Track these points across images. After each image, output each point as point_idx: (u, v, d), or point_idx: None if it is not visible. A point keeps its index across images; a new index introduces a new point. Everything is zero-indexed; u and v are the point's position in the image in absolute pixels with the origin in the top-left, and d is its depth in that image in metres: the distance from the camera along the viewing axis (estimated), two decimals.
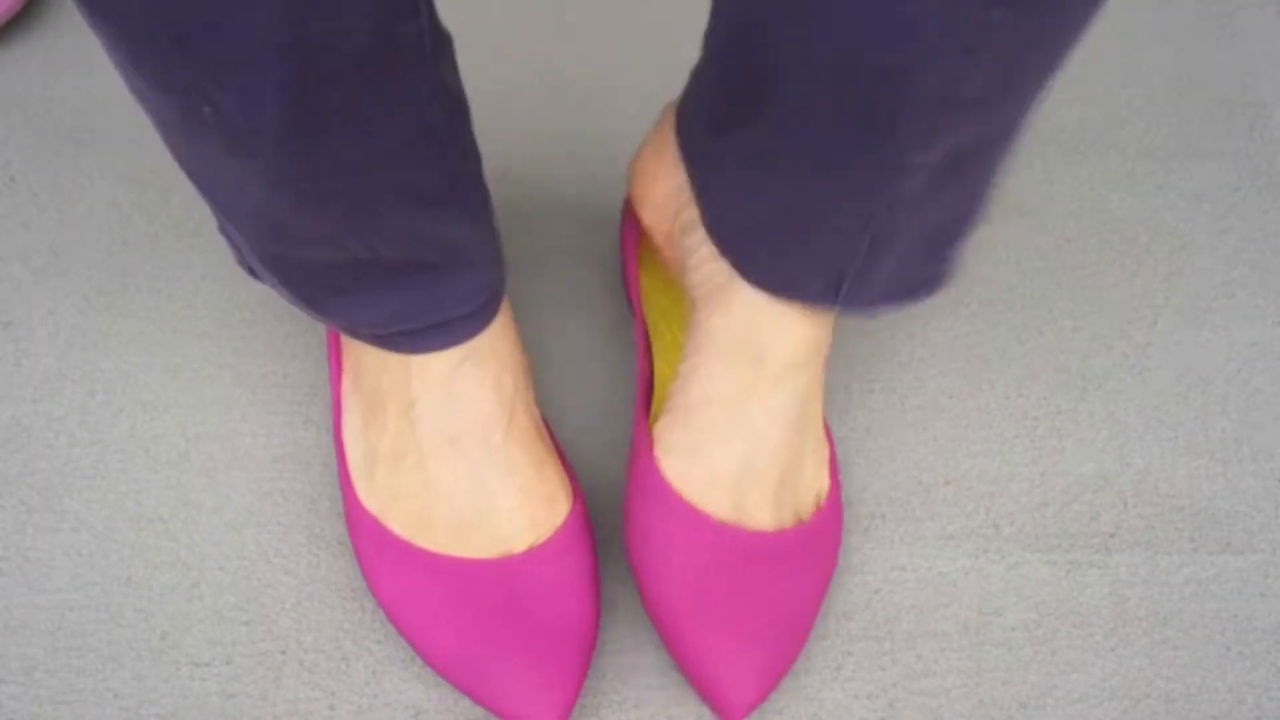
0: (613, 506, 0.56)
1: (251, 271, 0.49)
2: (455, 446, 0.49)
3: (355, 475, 0.52)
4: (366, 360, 0.51)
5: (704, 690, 0.49)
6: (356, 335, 0.49)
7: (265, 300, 0.63)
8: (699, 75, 0.47)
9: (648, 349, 0.56)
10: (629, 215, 0.58)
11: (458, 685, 0.49)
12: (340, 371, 0.55)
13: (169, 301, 0.63)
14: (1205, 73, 0.72)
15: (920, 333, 0.62)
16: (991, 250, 0.65)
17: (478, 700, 0.49)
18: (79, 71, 0.72)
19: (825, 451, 0.53)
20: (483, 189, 0.47)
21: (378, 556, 0.51)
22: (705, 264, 0.49)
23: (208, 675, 0.52)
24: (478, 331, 0.49)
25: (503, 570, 0.49)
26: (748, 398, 0.49)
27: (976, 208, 0.44)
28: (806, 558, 0.50)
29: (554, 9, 0.75)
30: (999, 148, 0.41)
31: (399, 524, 0.50)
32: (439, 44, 0.41)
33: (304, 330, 0.62)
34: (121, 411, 0.59)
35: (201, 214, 0.66)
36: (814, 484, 0.52)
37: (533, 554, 0.49)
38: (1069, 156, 0.69)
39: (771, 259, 0.46)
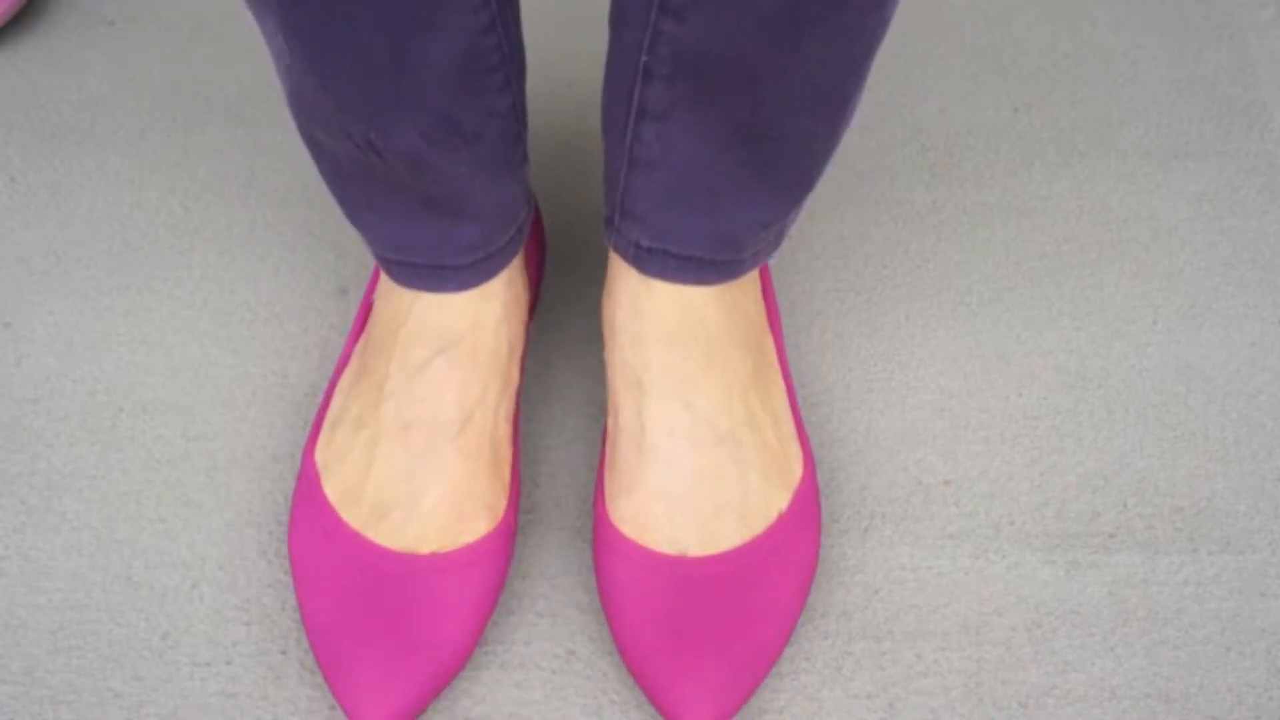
0: None
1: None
2: (405, 433, 0.50)
3: (323, 429, 0.54)
4: (375, 328, 0.53)
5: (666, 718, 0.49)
6: (372, 250, 0.50)
7: (265, 300, 0.63)
8: None
9: None
10: None
11: (316, 656, 0.50)
12: (359, 330, 0.56)
13: (169, 301, 0.63)
14: (1205, 73, 0.72)
15: (920, 333, 0.62)
16: (991, 250, 0.65)
17: (325, 678, 0.49)
18: (79, 71, 0.72)
19: (788, 469, 0.52)
20: (519, 151, 0.47)
21: (301, 508, 0.52)
22: (604, 300, 0.52)
23: (208, 675, 0.52)
24: (472, 285, 0.49)
25: (400, 565, 0.50)
26: (643, 425, 0.50)
27: (733, 170, 0.44)
28: (758, 577, 0.50)
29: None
30: (737, 92, 0.41)
31: (332, 488, 0.51)
32: None
33: (304, 330, 0.62)
34: (121, 411, 0.59)
35: (202, 214, 0.66)
36: (764, 504, 0.51)
37: (433, 560, 0.50)
38: (1069, 156, 0.69)
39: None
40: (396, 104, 0.41)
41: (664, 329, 0.50)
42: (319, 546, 0.51)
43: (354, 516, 0.51)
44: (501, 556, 0.51)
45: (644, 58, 0.41)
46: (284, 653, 0.53)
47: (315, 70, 0.40)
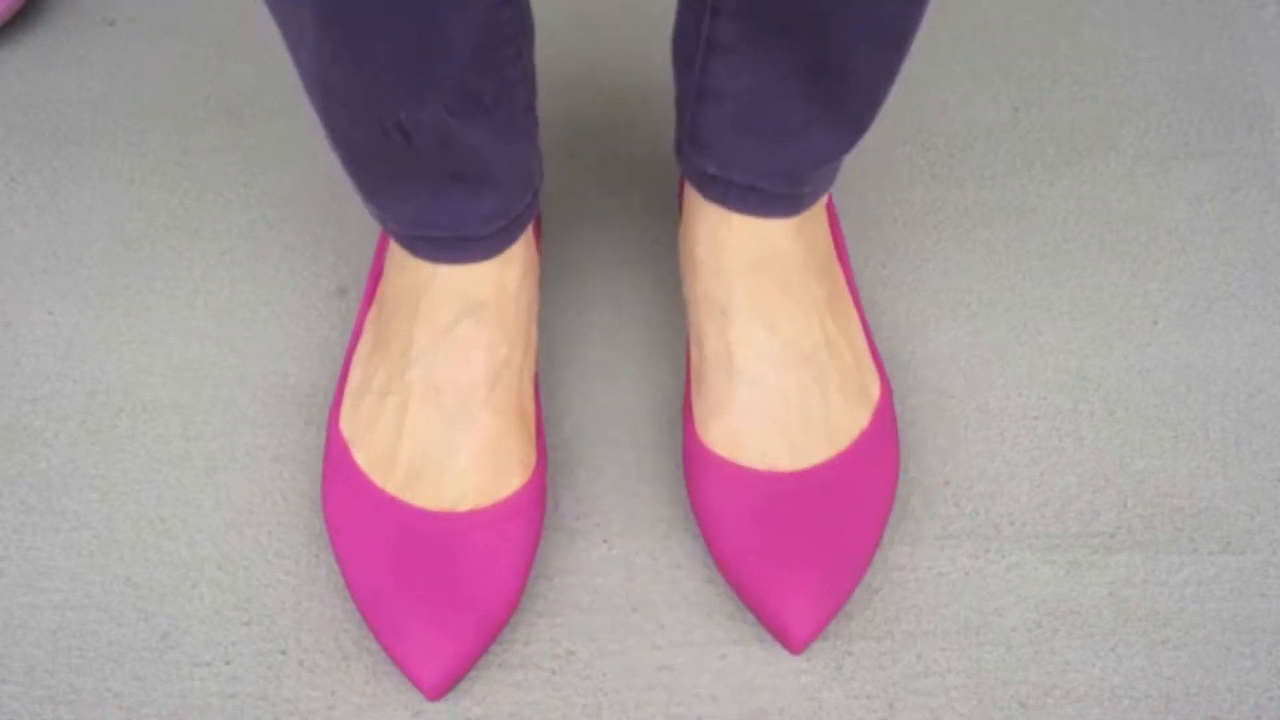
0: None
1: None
2: (436, 396, 0.51)
3: (345, 399, 0.55)
4: (389, 296, 0.54)
5: (769, 628, 0.51)
6: (386, 228, 0.51)
7: (265, 300, 0.63)
8: None
9: None
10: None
11: (366, 619, 0.51)
12: (369, 301, 0.57)
13: (169, 301, 0.63)
14: (1205, 73, 0.72)
15: (920, 333, 0.62)
16: (991, 250, 0.65)
17: (378, 639, 0.51)
18: (79, 71, 0.72)
19: (866, 389, 0.54)
20: (530, 112, 0.48)
21: (334, 479, 0.53)
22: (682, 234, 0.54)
23: (208, 675, 0.52)
24: (495, 253, 0.51)
25: (440, 524, 0.51)
26: (730, 350, 0.52)
27: (799, 103, 0.46)
28: (846, 490, 0.52)
29: None
30: (803, 25, 0.42)
31: (363, 456, 0.53)
32: None
33: (304, 330, 0.62)
34: (121, 411, 0.59)
35: (202, 214, 0.66)
36: (848, 421, 0.53)
37: (472, 516, 0.51)
38: (1069, 156, 0.69)
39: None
40: (424, 83, 0.42)
41: (744, 260, 0.52)
42: (357, 515, 0.52)
43: (389, 481, 0.52)
44: (537, 508, 0.53)
45: None
46: (284, 653, 0.53)
47: (349, 57, 0.41)
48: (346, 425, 0.54)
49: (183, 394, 0.60)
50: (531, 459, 0.53)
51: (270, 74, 0.72)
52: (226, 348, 0.61)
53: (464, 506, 0.51)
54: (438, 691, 0.50)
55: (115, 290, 0.63)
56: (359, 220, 0.66)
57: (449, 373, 0.51)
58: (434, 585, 0.50)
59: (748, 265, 0.52)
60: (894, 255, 0.65)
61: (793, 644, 0.51)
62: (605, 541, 0.56)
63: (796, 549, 0.51)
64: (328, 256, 0.64)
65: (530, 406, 0.54)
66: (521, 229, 0.52)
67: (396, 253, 0.53)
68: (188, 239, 0.65)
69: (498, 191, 0.48)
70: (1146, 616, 0.54)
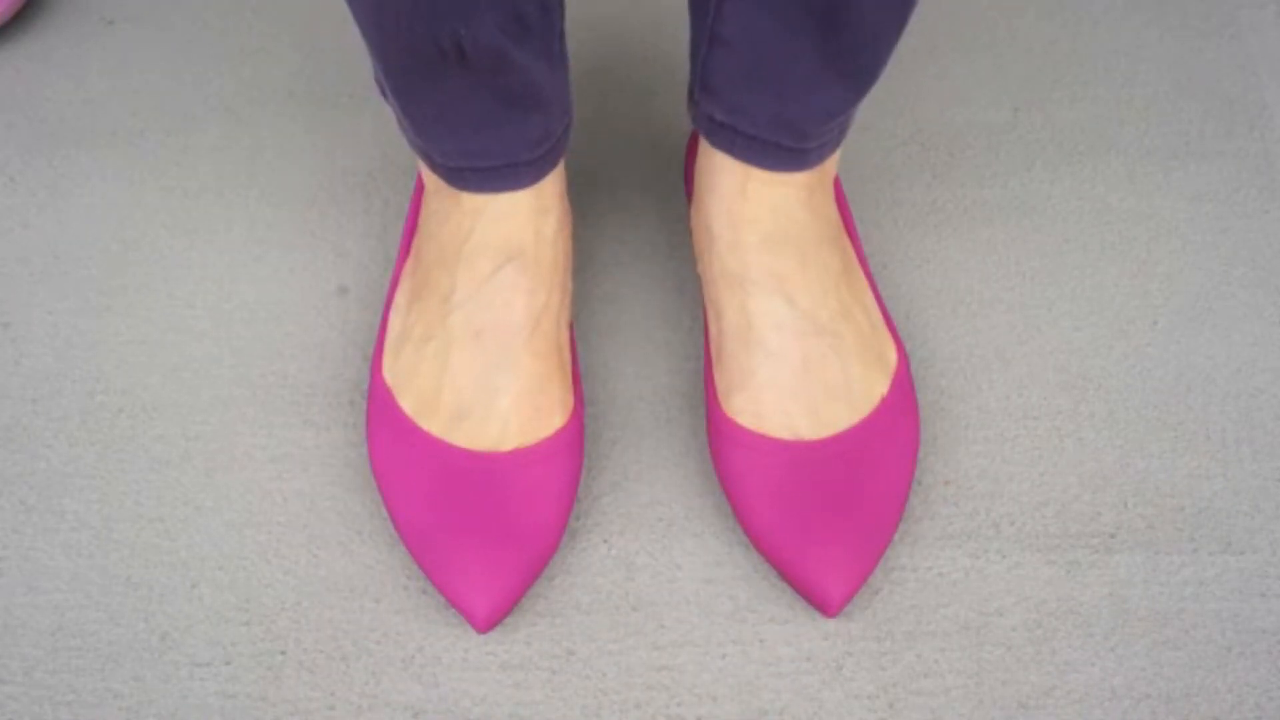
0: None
1: (383, 91, 0.52)
2: (477, 340, 0.52)
3: (386, 349, 0.56)
4: (427, 248, 0.55)
5: (803, 593, 0.52)
6: (433, 164, 0.52)
7: (265, 300, 0.63)
8: None
9: None
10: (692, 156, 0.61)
11: (415, 556, 0.52)
12: (405, 256, 0.58)
13: (169, 301, 0.63)
14: (1205, 73, 0.72)
15: (920, 333, 0.62)
16: (992, 250, 0.65)
17: (427, 574, 0.52)
18: (79, 71, 0.72)
19: (884, 356, 0.55)
20: (563, 39, 0.49)
21: (379, 425, 0.55)
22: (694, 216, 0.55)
23: (207, 675, 0.52)
24: (540, 178, 0.52)
25: (485, 463, 0.52)
26: (749, 322, 0.53)
27: (805, 54, 0.46)
28: (868, 456, 0.53)
29: None
30: None
31: (408, 401, 0.54)
32: None
33: (304, 330, 0.62)
34: (121, 411, 0.59)
35: (201, 214, 0.66)
36: (867, 389, 0.54)
37: (516, 455, 0.52)
38: (1069, 156, 0.68)
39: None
40: (478, 3, 0.43)
41: (760, 233, 0.52)
42: (403, 458, 0.53)
43: (433, 424, 0.53)
44: (577, 446, 0.54)
45: None
46: (283, 653, 0.53)
47: None
48: (389, 372, 0.55)
49: (183, 394, 0.60)
50: (570, 401, 0.55)
51: (270, 73, 0.72)
52: (226, 348, 0.61)
53: (507, 446, 0.52)
54: (488, 624, 0.51)
55: (115, 290, 0.63)
56: (359, 220, 0.66)
57: (490, 317, 0.52)
58: (481, 522, 0.52)
59: (763, 237, 0.52)
60: (894, 255, 0.65)
61: (828, 607, 0.51)
62: (605, 541, 0.56)
63: (826, 515, 0.52)
64: (328, 256, 0.64)
65: (567, 352, 0.56)
66: (561, 153, 0.53)
67: (434, 205, 0.54)
68: (188, 239, 0.65)
69: (543, 114, 0.50)
70: (1146, 616, 0.54)
